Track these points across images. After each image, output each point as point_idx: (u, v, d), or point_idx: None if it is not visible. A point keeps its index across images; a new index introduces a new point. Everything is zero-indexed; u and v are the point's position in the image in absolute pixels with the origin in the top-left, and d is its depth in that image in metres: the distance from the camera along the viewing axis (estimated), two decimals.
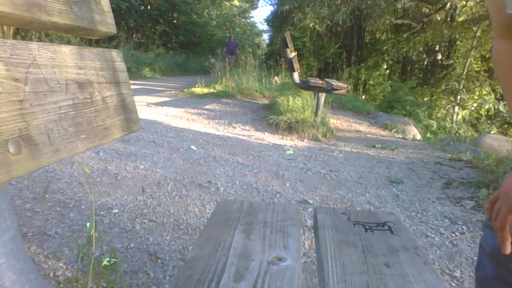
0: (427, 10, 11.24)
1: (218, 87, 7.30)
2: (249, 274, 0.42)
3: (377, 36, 13.68)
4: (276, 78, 7.99)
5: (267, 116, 4.69)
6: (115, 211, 1.87)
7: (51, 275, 1.32)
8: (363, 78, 11.09)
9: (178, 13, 17.40)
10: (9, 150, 0.41)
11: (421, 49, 11.77)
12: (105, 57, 0.67)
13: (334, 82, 4.94)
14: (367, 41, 13.61)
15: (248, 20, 22.90)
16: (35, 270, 0.70)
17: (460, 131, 9.57)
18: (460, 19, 10.86)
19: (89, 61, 0.61)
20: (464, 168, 3.13)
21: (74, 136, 0.53)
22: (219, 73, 8.83)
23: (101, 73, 0.64)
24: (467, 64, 10.55)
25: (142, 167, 2.56)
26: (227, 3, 20.93)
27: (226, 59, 14.78)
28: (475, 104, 10.82)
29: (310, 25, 11.51)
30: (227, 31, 19.54)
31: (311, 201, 2.25)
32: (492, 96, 10.47)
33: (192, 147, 3.25)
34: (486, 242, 0.85)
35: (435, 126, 8.22)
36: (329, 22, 10.96)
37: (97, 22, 0.65)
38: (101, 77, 0.63)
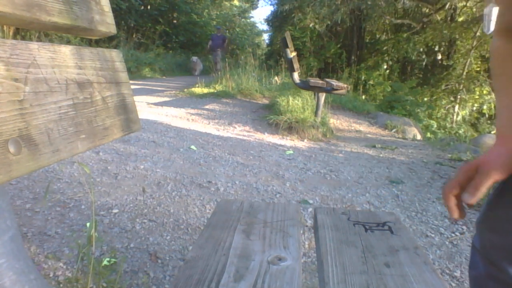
0: (427, 10, 11.24)
1: (218, 87, 7.30)
2: (249, 274, 0.42)
3: (377, 36, 13.68)
4: (276, 78, 7.98)
5: (267, 116, 4.69)
6: (115, 211, 1.87)
7: (51, 275, 1.32)
8: (363, 78, 11.08)
9: (178, 13, 17.39)
10: (9, 150, 0.41)
11: (421, 49, 11.76)
12: (105, 57, 0.67)
13: (334, 82, 4.94)
14: (367, 41, 13.60)
15: (248, 20, 22.89)
16: (35, 270, 0.70)
17: (460, 131, 9.57)
18: (460, 19, 10.86)
19: (89, 61, 0.61)
20: None
21: (74, 136, 0.53)
22: (219, 73, 8.64)
23: (101, 73, 0.64)
24: (467, 64, 10.55)
25: (142, 167, 2.56)
26: (227, 3, 20.90)
27: (211, 55, 13.41)
28: (476, 104, 10.81)
29: (310, 25, 11.50)
30: (227, 30, 19.34)
31: (311, 201, 2.25)
32: (493, 95, 10.46)
33: (192, 147, 3.25)
34: (478, 240, 0.85)
35: (435, 126, 8.22)
36: (329, 22, 10.95)
37: (97, 22, 0.65)
38: (101, 77, 0.63)
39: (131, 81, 0.76)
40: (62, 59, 0.54)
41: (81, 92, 0.57)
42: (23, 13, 0.47)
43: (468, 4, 10.51)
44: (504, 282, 0.81)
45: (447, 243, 1.83)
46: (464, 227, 2.01)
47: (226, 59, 9.74)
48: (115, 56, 0.71)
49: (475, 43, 10.22)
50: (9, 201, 0.69)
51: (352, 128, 5.31)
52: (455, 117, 10.74)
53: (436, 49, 12.02)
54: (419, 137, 5.55)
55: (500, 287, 0.83)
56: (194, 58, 13.79)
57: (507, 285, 0.81)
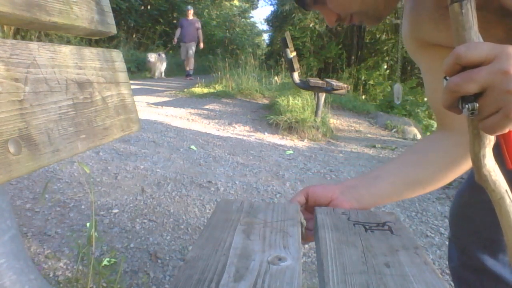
0: None
1: (218, 87, 7.30)
2: (249, 274, 0.42)
3: (377, 36, 13.67)
4: (276, 78, 7.97)
5: (267, 116, 4.69)
6: (115, 211, 1.87)
7: (51, 275, 1.32)
8: (363, 78, 11.07)
9: (178, 13, 17.39)
10: (9, 150, 0.41)
11: None
12: (105, 57, 0.67)
13: (334, 82, 4.94)
14: (367, 41, 13.60)
15: (248, 20, 22.88)
16: (35, 270, 0.71)
17: None
18: None
19: (89, 61, 0.61)
20: None
21: (74, 136, 0.53)
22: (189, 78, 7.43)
23: (101, 73, 0.64)
24: None
25: (142, 167, 2.56)
26: (227, 3, 20.89)
27: (181, 49, 9.55)
28: None
29: (310, 25, 11.49)
30: (227, 31, 19.13)
31: None
32: None
33: (192, 147, 3.25)
34: (450, 230, 0.94)
35: (435, 126, 8.21)
36: None
37: (97, 22, 0.65)
38: (101, 77, 0.63)
39: (131, 81, 0.76)
40: (62, 59, 0.54)
41: (81, 92, 0.57)
42: (23, 13, 0.47)
43: None
44: (476, 268, 0.84)
45: (447, 243, 1.83)
46: None
47: (226, 59, 8.63)
48: (115, 56, 0.71)
49: None
50: (9, 201, 0.69)
51: (352, 128, 5.31)
52: None
53: None
54: (419, 137, 5.55)
55: (473, 274, 0.85)
56: (152, 56, 9.55)
57: (479, 271, 0.83)
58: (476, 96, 0.39)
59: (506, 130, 0.40)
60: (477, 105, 0.39)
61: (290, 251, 0.48)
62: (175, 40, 9.54)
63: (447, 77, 0.41)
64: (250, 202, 0.66)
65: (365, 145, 4.16)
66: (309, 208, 0.68)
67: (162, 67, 9.94)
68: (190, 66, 9.69)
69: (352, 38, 12.80)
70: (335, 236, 0.55)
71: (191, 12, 9.36)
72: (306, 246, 1.70)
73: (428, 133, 7.51)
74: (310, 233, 0.65)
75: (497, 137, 0.43)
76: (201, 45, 9.51)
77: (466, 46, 0.39)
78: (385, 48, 12.69)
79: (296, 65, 4.74)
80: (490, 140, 0.44)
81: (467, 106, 0.40)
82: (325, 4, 0.62)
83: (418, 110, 8.01)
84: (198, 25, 9.40)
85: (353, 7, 0.61)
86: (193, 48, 9.42)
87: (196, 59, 10.91)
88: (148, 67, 9.85)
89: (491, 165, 0.45)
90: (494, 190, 0.45)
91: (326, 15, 0.64)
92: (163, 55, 9.93)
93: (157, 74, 9.87)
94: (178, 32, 9.37)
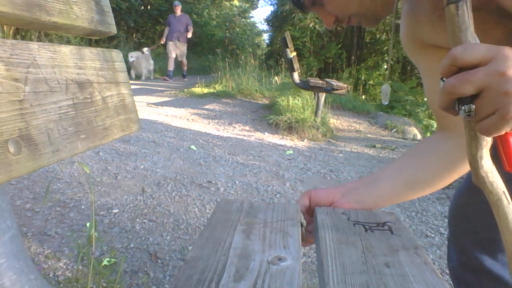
0: None
1: (218, 87, 7.29)
2: (249, 274, 0.42)
3: (377, 36, 13.67)
4: (276, 78, 7.97)
5: (267, 116, 4.69)
6: (115, 211, 1.87)
7: (51, 275, 1.32)
8: (363, 78, 11.08)
9: None
10: (9, 150, 0.41)
11: None
12: (105, 57, 0.67)
13: (334, 82, 4.94)
14: (367, 41, 13.60)
15: (248, 20, 22.85)
16: (35, 270, 0.71)
17: None
18: None
19: (89, 61, 0.61)
20: None
21: (74, 136, 0.53)
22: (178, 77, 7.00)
23: (101, 73, 0.64)
24: None
25: (142, 167, 2.56)
26: (227, 3, 20.88)
27: (169, 48, 8.68)
28: None
29: (310, 25, 11.49)
30: (227, 31, 19.07)
31: None
32: None
33: (192, 147, 3.25)
34: (449, 230, 0.96)
35: (435, 126, 8.21)
36: None
37: (97, 22, 0.65)
38: (101, 77, 0.63)
39: (131, 81, 0.76)
40: (62, 59, 0.54)
41: (81, 92, 0.57)
42: (23, 13, 0.47)
43: None
44: (475, 269, 0.84)
45: (447, 243, 1.83)
46: None
47: (226, 59, 8.31)
48: (115, 56, 0.71)
49: None
50: (9, 201, 0.69)
51: (352, 128, 5.31)
52: None
53: None
54: (419, 137, 5.55)
55: (472, 274, 0.85)
56: (132, 56, 8.33)
57: (477, 271, 0.83)
58: (473, 98, 0.39)
59: (503, 132, 0.40)
60: (474, 106, 0.39)
61: (290, 251, 0.48)
62: (163, 39, 8.73)
63: (444, 79, 0.41)
64: (250, 202, 0.66)
65: (365, 145, 4.16)
66: (310, 211, 0.68)
67: (148, 66, 9.04)
68: (184, 67, 9.38)
69: (352, 38, 12.80)
70: (335, 236, 0.55)
71: (179, 8, 8.55)
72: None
73: (428, 133, 7.51)
74: (310, 235, 0.65)
75: (494, 139, 0.43)
76: (189, 35, 8.70)
77: (462, 47, 0.39)
78: (385, 48, 12.69)
79: (296, 65, 4.74)
80: (487, 142, 0.44)
81: (463, 107, 0.40)
82: (323, 6, 0.61)
83: (418, 110, 8.02)
84: (189, 21, 8.74)
85: (351, 9, 0.61)
86: (185, 49, 8.83)
87: (195, 59, 10.50)
88: (132, 68, 8.62)
89: (488, 167, 0.45)
90: (491, 192, 0.45)
91: (324, 17, 0.64)
92: (148, 53, 8.95)
93: (144, 74, 8.97)
94: (166, 30, 8.67)
